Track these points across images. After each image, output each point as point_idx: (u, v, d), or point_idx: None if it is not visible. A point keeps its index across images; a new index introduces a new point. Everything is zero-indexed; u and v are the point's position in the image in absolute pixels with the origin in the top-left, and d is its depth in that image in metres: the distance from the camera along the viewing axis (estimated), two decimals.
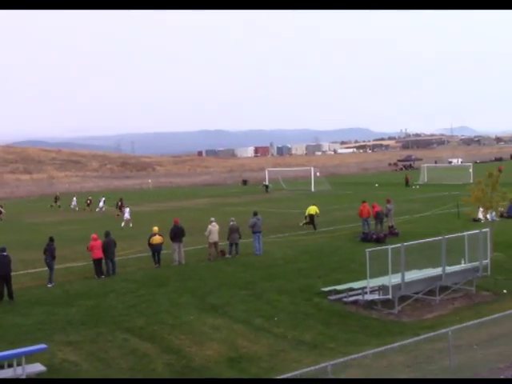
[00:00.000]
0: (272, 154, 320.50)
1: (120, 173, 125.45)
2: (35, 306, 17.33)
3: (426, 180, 68.25)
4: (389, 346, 10.29)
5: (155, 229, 23.24)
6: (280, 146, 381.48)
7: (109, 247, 21.57)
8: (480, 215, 29.16)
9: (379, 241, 25.40)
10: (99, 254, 21.32)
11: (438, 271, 17.39)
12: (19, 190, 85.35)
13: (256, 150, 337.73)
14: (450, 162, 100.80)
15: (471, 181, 46.62)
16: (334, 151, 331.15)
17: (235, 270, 21.75)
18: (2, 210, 48.00)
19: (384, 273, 16.45)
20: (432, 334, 11.10)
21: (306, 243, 27.10)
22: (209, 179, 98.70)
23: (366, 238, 26.61)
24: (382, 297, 16.66)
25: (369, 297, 16.80)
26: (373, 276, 16.70)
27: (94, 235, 21.93)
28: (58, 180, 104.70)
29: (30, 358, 12.22)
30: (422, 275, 17.31)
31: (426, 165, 76.80)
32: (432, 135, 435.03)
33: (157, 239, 22.77)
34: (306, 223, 31.46)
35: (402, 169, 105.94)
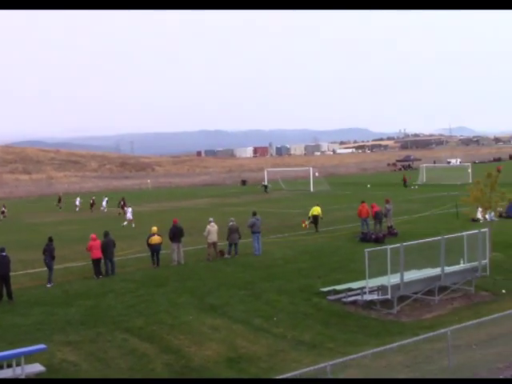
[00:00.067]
0: (271, 154, 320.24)
1: (119, 173, 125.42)
2: (34, 306, 17.33)
3: (424, 180, 68.26)
4: (388, 346, 10.30)
5: (154, 229, 23.26)
6: (279, 146, 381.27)
7: (108, 247, 21.57)
8: (479, 215, 29.13)
9: (378, 241, 25.43)
10: (98, 254, 21.32)
11: (437, 271, 17.40)
12: (18, 190, 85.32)
13: (255, 150, 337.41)
14: (449, 163, 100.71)
15: (470, 181, 46.60)
16: (333, 151, 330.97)
17: (234, 270, 21.76)
18: (5, 209, 48.01)
19: (383, 273, 16.46)
20: (431, 334, 11.10)
21: (306, 243, 27.12)
22: (208, 179, 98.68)
23: (365, 238, 26.63)
24: (381, 297, 16.66)
25: (368, 297, 16.81)
26: (372, 276, 16.72)
27: (92, 235, 21.92)
28: (57, 180, 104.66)
29: (30, 358, 12.23)
30: (421, 275, 17.31)
31: (424, 165, 76.81)
32: (431, 135, 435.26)
33: (156, 239, 22.78)
34: (310, 222, 31.49)
35: (400, 169, 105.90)
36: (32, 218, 46.95)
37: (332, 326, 15.28)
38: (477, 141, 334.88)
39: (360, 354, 9.89)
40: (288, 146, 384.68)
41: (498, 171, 26.75)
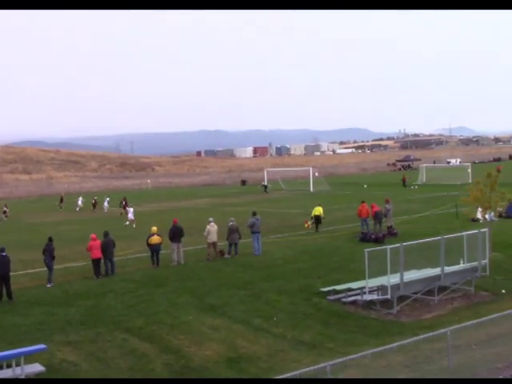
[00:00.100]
0: (271, 154, 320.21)
1: (119, 173, 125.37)
2: (34, 306, 17.34)
3: (424, 180, 68.26)
4: (388, 346, 10.30)
5: (154, 229, 23.27)
6: (279, 146, 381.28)
7: (107, 247, 21.58)
8: (479, 215, 29.12)
9: (378, 241, 25.43)
10: (98, 254, 21.33)
11: (436, 271, 17.40)
12: (18, 190, 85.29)
13: (255, 150, 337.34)
14: (449, 162, 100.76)
15: (470, 181, 46.61)
16: (333, 151, 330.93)
17: (234, 270, 21.76)
18: (7, 209, 48.01)
19: (383, 273, 16.46)
20: (431, 334, 11.11)
21: (306, 243, 27.12)
22: (208, 179, 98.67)
23: (365, 238, 26.64)
24: (380, 297, 16.67)
25: (368, 297, 16.81)
26: (372, 276, 16.72)
27: (92, 235, 21.93)
28: (57, 180, 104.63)
29: (29, 358, 12.24)
30: (420, 275, 17.31)
31: (424, 165, 76.81)
32: (431, 135, 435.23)
33: (155, 239, 22.78)
34: (313, 223, 31.48)
35: (400, 169, 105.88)
36: (32, 218, 46.95)
37: (332, 325, 15.28)
38: (477, 141, 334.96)
39: (360, 354, 9.89)
40: (288, 146, 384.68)
41: (498, 171, 26.74)
